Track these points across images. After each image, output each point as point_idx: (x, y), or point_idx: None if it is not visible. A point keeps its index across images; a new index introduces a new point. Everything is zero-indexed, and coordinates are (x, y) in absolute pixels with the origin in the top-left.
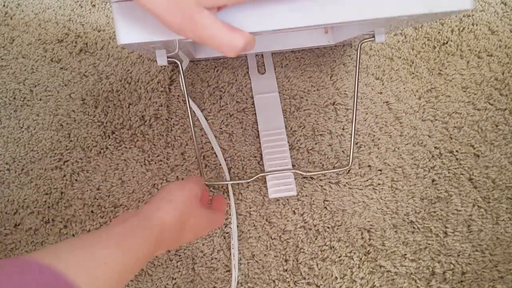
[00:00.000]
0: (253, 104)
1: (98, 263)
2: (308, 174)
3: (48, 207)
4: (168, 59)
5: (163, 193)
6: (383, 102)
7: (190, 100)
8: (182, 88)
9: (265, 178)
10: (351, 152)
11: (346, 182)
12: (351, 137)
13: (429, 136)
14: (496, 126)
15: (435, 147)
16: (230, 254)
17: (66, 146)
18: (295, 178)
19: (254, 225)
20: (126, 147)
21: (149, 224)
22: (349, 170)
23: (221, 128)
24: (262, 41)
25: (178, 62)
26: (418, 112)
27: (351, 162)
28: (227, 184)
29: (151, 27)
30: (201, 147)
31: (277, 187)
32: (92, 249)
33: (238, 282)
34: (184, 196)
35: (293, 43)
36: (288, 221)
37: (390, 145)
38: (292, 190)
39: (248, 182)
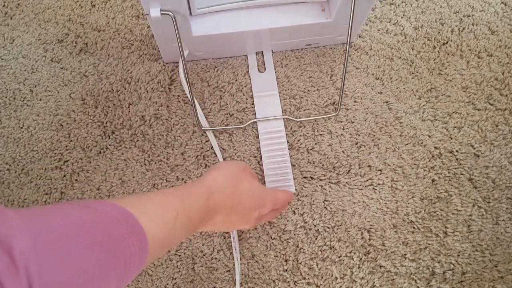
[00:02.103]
0: (253, 104)
1: (158, 207)
2: (298, 120)
3: None
4: (162, 12)
5: (211, 168)
6: (383, 102)
7: (191, 96)
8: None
9: (264, 178)
10: (340, 99)
11: (346, 182)
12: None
13: (429, 136)
14: (496, 126)
15: (435, 147)
16: (230, 254)
17: (66, 146)
18: (294, 178)
19: None
20: (126, 147)
21: (201, 181)
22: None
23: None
24: (260, 16)
25: (172, 15)
26: (418, 112)
27: (339, 109)
28: None
29: None
30: (201, 147)
31: (275, 184)
32: (153, 198)
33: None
34: (231, 165)
35: (291, 20)
36: (288, 221)
37: (390, 145)
38: (291, 188)
39: (244, 128)
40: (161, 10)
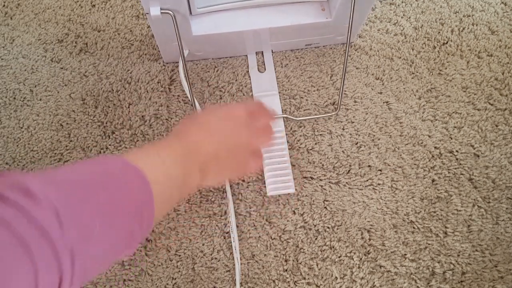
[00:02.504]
0: None
1: (156, 160)
2: (297, 118)
3: None
4: (162, 11)
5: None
6: (383, 102)
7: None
8: (177, 39)
9: (264, 178)
10: (340, 98)
11: (346, 182)
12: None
13: (429, 136)
14: (496, 126)
15: (435, 147)
16: (230, 254)
17: (66, 146)
18: (294, 178)
19: (254, 225)
20: (126, 147)
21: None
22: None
23: None
24: (260, 16)
25: (172, 14)
26: (418, 112)
27: (339, 108)
28: (224, 184)
29: None
30: None
31: (275, 184)
32: (150, 153)
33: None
34: (184, 117)
35: (290, 19)
36: (288, 221)
37: (390, 145)
38: (290, 188)
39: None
40: (161, 9)
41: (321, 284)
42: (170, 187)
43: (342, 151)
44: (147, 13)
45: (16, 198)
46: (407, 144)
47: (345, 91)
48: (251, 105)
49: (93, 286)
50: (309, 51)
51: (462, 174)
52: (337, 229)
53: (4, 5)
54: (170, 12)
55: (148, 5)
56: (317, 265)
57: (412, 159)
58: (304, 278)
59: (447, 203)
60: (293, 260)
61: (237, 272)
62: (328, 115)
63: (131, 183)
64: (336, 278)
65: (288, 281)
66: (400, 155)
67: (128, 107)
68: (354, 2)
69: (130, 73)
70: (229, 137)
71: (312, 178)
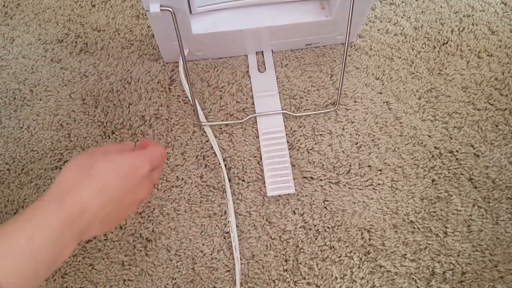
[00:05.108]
0: (253, 104)
1: (14, 255)
2: (296, 114)
3: None
4: (161, 8)
5: (54, 182)
6: (383, 102)
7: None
8: (177, 37)
9: (264, 178)
10: (339, 94)
11: (346, 182)
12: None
13: (429, 136)
14: (496, 126)
15: (435, 147)
16: (230, 254)
17: (66, 146)
18: (294, 178)
19: (254, 225)
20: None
21: (47, 192)
22: (336, 113)
23: (221, 128)
24: (260, 15)
25: (172, 11)
26: (418, 112)
27: (338, 103)
28: (224, 184)
29: None
30: (201, 147)
31: (275, 184)
32: (9, 241)
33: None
34: (73, 161)
35: (290, 18)
36: (288, 221)
37: (390, 145)
38: (290, 188)
39: (242, 123)
40: (160, 6)
41: (321, 284)
42: (34, 274)
43: (342, 151)
44: (147, 11)
45: None
46: (407, 144)
47: (345, 91)
48: (155, 157)
49: (93, 286)
50: (309, 51)
51: (462, 174)
52: (337, 229)
53: (4, 5)
54: (170, 9)
55: (148, 2)
56: (317, 265)
57: (412, 159)
58: (304, 278)
59: (447, 203)
60: (293, 260)
61: (237, 272)
62: (327, 111)
63: None
64: (336, 278)
65: (288, 281)
66: (400, 155)
67: (128, 107)
68: (353, 1)
69: (130, 73)
70: (125, 196)
71: (312, 178)
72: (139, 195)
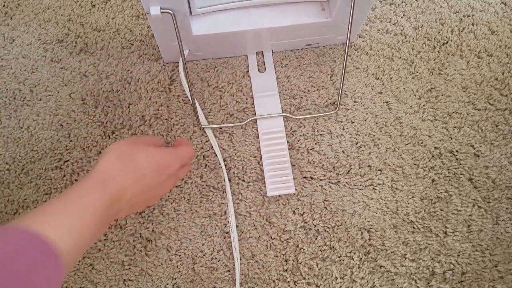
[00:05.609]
0: (253, 104)
1: (62, 215)
2: (297, 117)
3: None
4: (162, 10)
5: (100, 155)
6: (383, 102)
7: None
8: (177, 38)
9: (264, 178)
10: (340, 96)
11: (346, 182)
12: (341, 81)
13: (429, 136)
14: (496, 126)
15: (435, 147)
16: (230, 254)
17: (66, 146)
18: (294, 178)
19: (254, 225)
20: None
21: (93, 173)
22: (336, 114)
23: (221, 128)
24: (260, 16)
25: (172, 13)
26: (418, 112)
27: (338, 107)
28: (224, 184)
29: None
30: (201, 147)
31: (275, 184)
32: (56, 205)
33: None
34: (119, 144)
35: (291, 19)
36: (288, 221)
37: (390, 145)
38: (290, 188)
39: (242, 126)
40: (161, 8)
41: (321, 284)
42: (80, 249)
43: (342, 151)
44: (147, 13)
45: None
46: (407, 144)
47: (345, 91)
48: (185, 157)
49: (93, 286)
50: (309, 51)
51: (462, 174)
52: (337, 229)
53: (4, 5)
54: (170, 11)
55: (148, 5)
56: (317, 265)
57: (412, 159)
58: (304, 278)
59: (447, 203)
60: (293, 260)
61: (237, 272)
62: (327, 114)
63: (42, 273)
64: (336, 278)
65: (288, 281)
66: (400, 155)
67: (128, 107)
68: (353, 2)
69: (130, 73)
70: (154, 188)
71: (312, 178)
72: (163, 190)
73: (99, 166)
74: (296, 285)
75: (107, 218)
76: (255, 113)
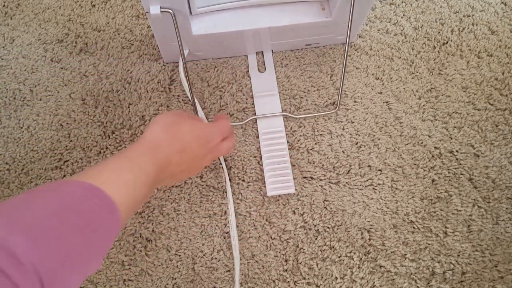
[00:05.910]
0: (253, 104)
1: (115, 173)
2: (297, 116)
3: None
4: (162, 10)
5: (148, 124)
6: (383, 102)
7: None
8: (177, 38)
9: (264, 178)
10: (340, 96)
11: (346, 182)
12: (341, 81)
13: (429, 136)
14: (496, 126)
15: (435, 147)
16: (230, 254)
17: (66, 146)
18: (294, 178)
19: (254, 225)
20: (126, 147)
21: (143, 139)
22: (337, 114)
23: None
24: (260, 15)
25: (172, 13)
26: (418, 112)
27: (338, 106)
28: (224, 184)
29: None
30: None
31: (275, 184)
32: (108, 165)
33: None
34: (166, 115)
35: (290, 19)
36: (288, 221)
37: (390, 145)
38: (290, 188)
39: (242, 125)
40: (161, 7)
41: (321, 284)
42: (130, 208)
43: (342, 151)
44: (147, 12)
45: (1, 264)
46: (407, 144)
47: (345, 91)
48: (225, 131)
49: (93, 286)
50: (309, 51)
51: (462, 174)
52: (337, 229)
53: (4, 5)
54: (170, 11)
55: (148, 4)
56: (317, 265)
57: (412, 159)
58: (304, 278)
59: (447, 203)
60: (293, 260)
61: (237, 272)
62: (327, 113)
63: (102, 219)
64: (336, 278)
65: (288, 281)
66: (400, 155)
67: (128, 107)
68: (353, 2)
69: (130, 73)
70: (196, 159)
71: (312, 178)
72: (204, 163)
73: (146, 135)
74: (296, 285)
75: (154, 184)
76: (255, 113)
